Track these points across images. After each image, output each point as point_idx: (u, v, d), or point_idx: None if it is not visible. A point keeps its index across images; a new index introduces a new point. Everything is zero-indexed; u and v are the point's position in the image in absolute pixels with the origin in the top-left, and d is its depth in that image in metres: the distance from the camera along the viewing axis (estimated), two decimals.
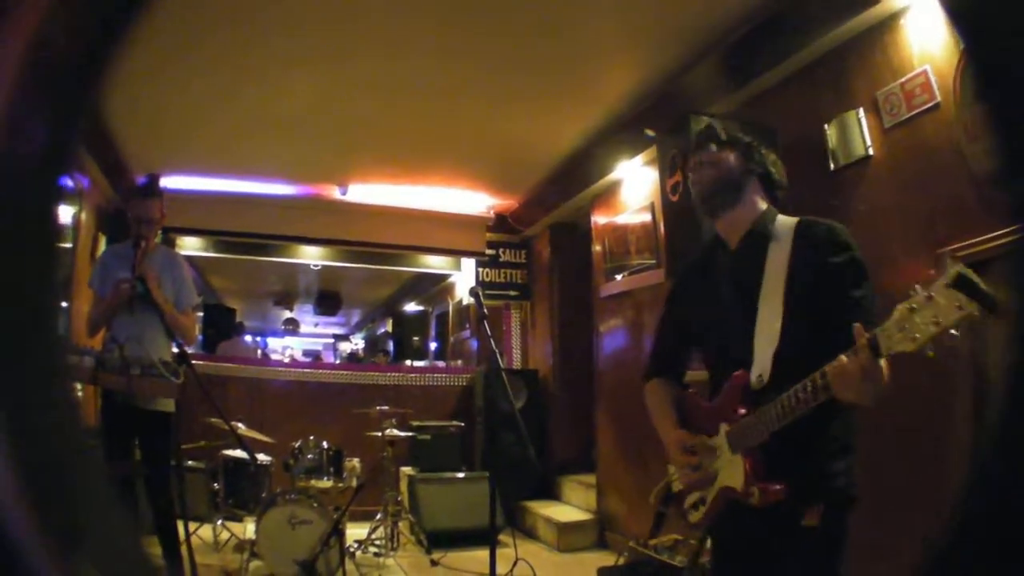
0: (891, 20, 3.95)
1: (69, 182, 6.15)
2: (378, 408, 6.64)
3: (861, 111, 4.09)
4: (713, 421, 2.36)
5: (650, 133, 5.65)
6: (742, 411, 2.26)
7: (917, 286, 1.75)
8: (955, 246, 3.46)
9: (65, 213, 6.55)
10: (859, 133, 4.09)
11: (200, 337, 12.21)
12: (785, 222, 2.38)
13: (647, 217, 6.47)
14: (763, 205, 2.45)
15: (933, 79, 3.65)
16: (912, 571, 2.37)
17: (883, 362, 1.88)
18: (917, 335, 1.72)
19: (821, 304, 2.17)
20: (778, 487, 2.16)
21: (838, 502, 2.22)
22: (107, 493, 1.23)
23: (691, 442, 2.42)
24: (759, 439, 2.18)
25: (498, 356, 4.41)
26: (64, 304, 6.31)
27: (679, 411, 2.56)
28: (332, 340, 24.24)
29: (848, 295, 2.15)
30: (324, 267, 11.46)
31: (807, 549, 2.21)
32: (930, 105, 3.68)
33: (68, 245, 6.64)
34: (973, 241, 3.34)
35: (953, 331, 1.68)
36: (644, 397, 2.73)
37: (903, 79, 3.83)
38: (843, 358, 1.90)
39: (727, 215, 2.47)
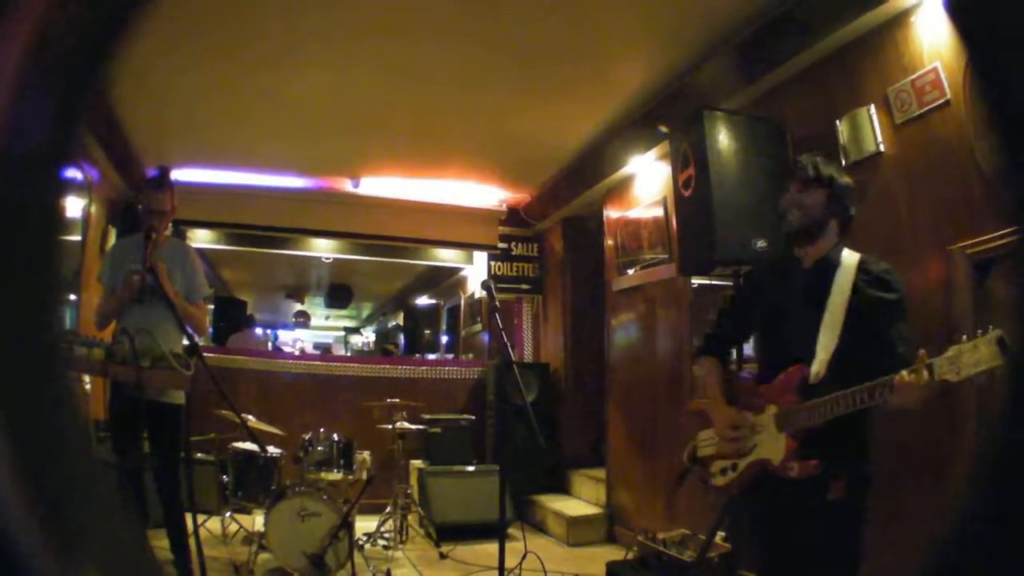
0: (902, 17, 3.94)
1: (76, 175, 6.17)
2: (389, 401, 6.66)
3: (872, 108, 4.08)
4: (761, 402, 2.87)
5: (663, 128, 5.64)
6: (794, 398, 2.74)
7: (964, 336, 2.21)
8: (965, 243, 3.45)
9: (75, 206, 6.57)
10: (870, 129, 4.08)
11: (211, 330, 12.26)
12: (849, 255, 2.86)
13: (659, 212, 6.46)
14: (835, 238, 2.92)
15: (943, 76, 3.64)
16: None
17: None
18: (960, 371, 2.21)
19: (872, 328, 2.68)
20: (814, 463, 2.64)
21: (860, 480, 2.69)
22: (109, 491, 1.23)
23: (737, 419, 2.94)
24: (808, 423, 2.66)
25: (509, 350, 4.41)
26: (73, 297, 6.33)
27: (726, 388, 3.09)
28: (343, 333, 24.27)
29: (894, 326, 2.67)
30: (336, 260, 11.48)
31: (833, 518, 2.66)
32: (940, 102, 3.67)
33: (77, 238, 6.67)
34: (984, 238, 3.34)
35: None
36: (694, 370, 3.35)
37: (914, 76, 3.82)
38: (904, 374, 2.35)
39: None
